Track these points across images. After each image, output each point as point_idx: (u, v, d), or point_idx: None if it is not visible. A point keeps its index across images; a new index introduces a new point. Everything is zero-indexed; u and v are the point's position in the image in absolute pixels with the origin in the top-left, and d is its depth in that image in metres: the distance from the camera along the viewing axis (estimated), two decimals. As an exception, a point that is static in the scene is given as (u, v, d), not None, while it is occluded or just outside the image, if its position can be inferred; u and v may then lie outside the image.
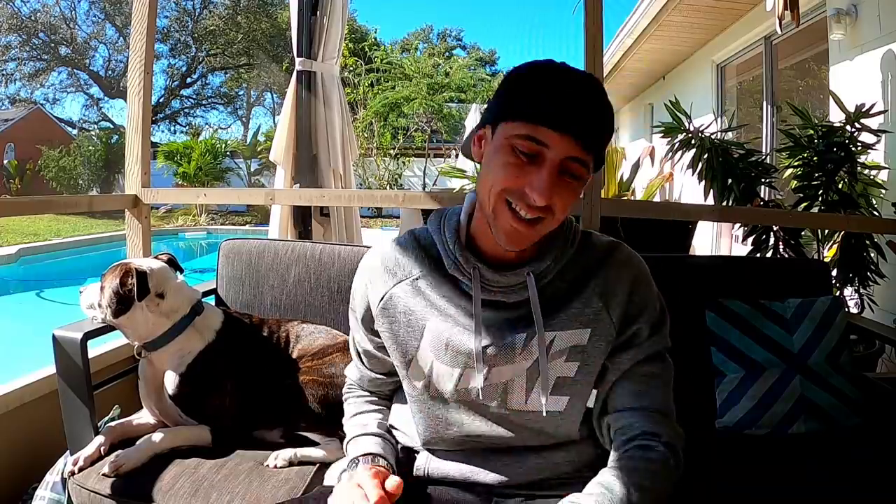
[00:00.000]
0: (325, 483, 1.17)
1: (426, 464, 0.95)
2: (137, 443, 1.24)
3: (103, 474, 1.17)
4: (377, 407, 1.03)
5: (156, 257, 1.44)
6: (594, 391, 0.89)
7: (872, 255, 2.48)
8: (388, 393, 1.05)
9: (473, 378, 0.86)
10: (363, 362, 1.02)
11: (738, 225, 3.43)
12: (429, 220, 0.93)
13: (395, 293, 0.89)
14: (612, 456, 0.83)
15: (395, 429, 1.01)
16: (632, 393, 0.86)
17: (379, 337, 0.94)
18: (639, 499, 0.75)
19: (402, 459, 0.98)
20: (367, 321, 0.95)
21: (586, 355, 0.85)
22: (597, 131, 0.77)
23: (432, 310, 0.88)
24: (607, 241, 0.91)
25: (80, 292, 1.36)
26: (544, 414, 0.86)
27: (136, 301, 1.27)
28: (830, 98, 2.78)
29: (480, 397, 0.87)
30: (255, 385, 1.35)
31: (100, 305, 1.31)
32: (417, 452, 0.97)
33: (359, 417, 1.00)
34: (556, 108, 0.75)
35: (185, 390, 1.30)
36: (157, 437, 1.25)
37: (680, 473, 0.82)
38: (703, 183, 2.66)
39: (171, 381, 1.31)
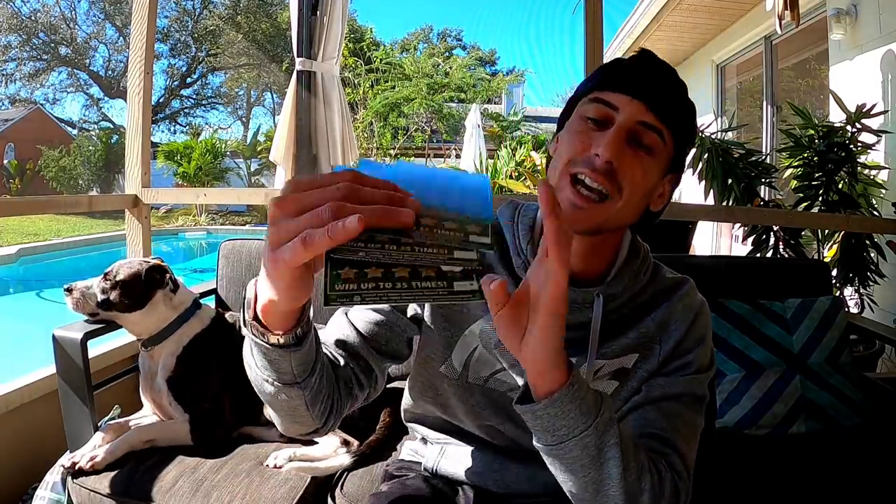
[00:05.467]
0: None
1: (437, 460, 0.94)
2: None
3: (79, 468, 1.18)
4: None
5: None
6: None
7: (872, 255, 2.48)
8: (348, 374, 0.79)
9: (511, 378, 0.83)
10: (355, 327, 0.81)
11: (738, 225, 3.42)
12: (500, 209, 0.84)
13: None
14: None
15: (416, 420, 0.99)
16: (658, 423, 0.75)
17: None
18: (643, 480, 0.65)
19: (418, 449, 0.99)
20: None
21: (627, 377, 0.81)
22: (670, 99, 0.71)
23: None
24: (677, 276, 0.86)
25: (68, 290, 1.34)
26: None
27: (157, 293, 1.33)
28: (831, 98, 2.78)
29: (509, 394, 0.84)
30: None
31: (108, 301, 1.31)
32: (431, 443, 0.96)
33: None
34: (626, 72, 0.71)
35: (179, 372, 1.33)
36: (132, 432, 1.27)
37: None
38: (703, 183, 2.66)
39: (167, 363, 1.34)
